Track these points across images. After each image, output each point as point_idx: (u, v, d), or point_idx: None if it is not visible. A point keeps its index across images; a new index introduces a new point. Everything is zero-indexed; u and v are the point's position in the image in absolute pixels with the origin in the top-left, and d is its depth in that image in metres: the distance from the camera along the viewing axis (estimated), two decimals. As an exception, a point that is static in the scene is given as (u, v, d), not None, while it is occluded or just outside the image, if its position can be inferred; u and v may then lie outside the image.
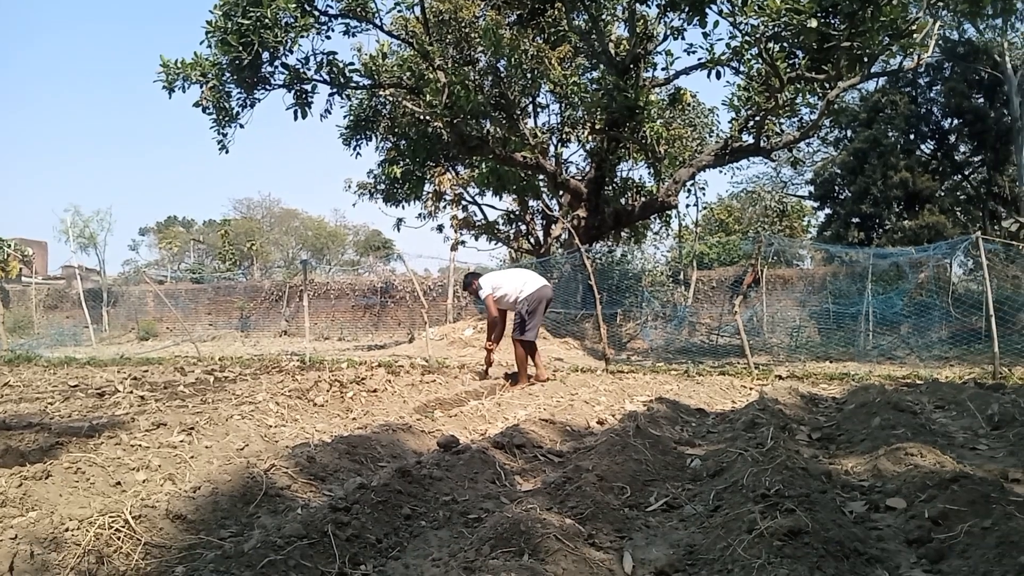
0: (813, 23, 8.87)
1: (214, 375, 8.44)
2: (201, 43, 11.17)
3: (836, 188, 22.90)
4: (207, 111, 11.93)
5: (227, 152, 12.50)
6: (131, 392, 6.78)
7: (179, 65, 11.34)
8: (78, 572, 2.26)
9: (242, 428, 4.36)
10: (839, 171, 22.30)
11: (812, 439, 4.33)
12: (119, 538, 2.43)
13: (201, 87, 11.56)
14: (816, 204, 25.63)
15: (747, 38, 9.98)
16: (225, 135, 12.28)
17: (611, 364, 9.34)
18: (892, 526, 2.63)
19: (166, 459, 3.55)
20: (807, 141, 18.99)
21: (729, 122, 13.30)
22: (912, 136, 21.41)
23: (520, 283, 7.57)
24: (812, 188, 25.20)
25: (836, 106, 13.00)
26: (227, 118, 12.07)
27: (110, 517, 2.47)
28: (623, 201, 17.12)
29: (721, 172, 17.68)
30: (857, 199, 20.59)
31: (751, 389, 7.36)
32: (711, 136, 18.25)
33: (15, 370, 10.03)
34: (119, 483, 3.19)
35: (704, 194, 19.58)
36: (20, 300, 27.22)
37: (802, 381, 7.97)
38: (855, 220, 21.22)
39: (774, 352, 12.76)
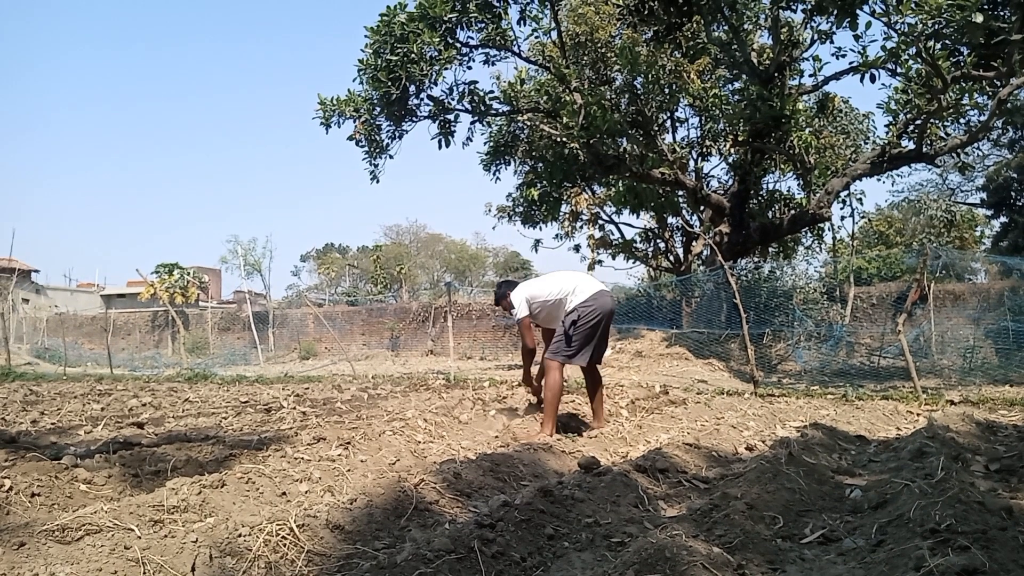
0: (979, 17, 8.11)
1: (367, 392, 8.91)
2: (353, 80, 11.99)
3: (1012, 194, 20.74)
4: (360, 144, 12.75)
5: (378, 182, 13.31)
6: (294, 408, 7.30)
7: (334, 102, 12.22)
8: (248, 574, 2.46)
9: (393, 443, 4.56)
10: (1015, 176, 20.18)
11: (989, 471, 3.91)
12: (285, 545, 2.61)
13: (354, 122, 12.38)
14: (990, 212, 23.36)
15: (904, 38, 9.29)
16: (376, 166, 13.06)
17: (760, 387, 8.91)
18: (1090, 572, 2.32)
19: (325, 472, 3.78)
20: (976, 144, 17.35)
21: (886, 127, 12.44)
22: (1103, 133, 19.03)
23: (567, 288, 5.57)
24: (984, 195, 23.00)
25: (1009, 105, 11.79)
26: (378, 150, 12.85)
27: (277, 525, 2.66)
28: (770, 215, 16.40)
29: (880, 181, 16.51)
30: (1039, 205, 18.54)
31: (918, 415, 6.76)
32: (867, 143, 17.12)
33: (194, 387, 11.03)
34: (284, 493, 3.43)
35: (861, 205, 18.33)
36: (198, 323, 30.11)
37: (977, 407, 7.21)
38: (1037, 229, 19.10)
39: (944, 375, 11.65)
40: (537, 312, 5.67)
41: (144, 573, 2.31)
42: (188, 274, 33.57)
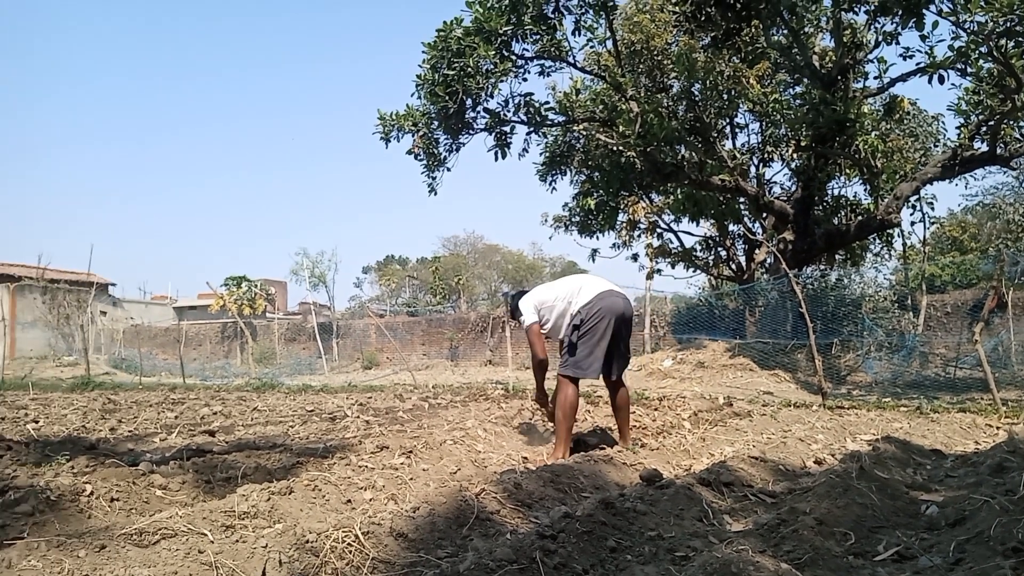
0: (1056, 12, 7.74)
1: (428, 402, 9.00)
2: (412, 95, 12.21)
3: (1096, 196, 19.61)
4: (418, 158, 12.97)
5: (436, 194, 13.49)
6: (358, 417, 7.44)
7: (394, 117, 12.46)
8: (316, 581, 2.51)
9: (454, 452, 4.61)
10: (1100, 176, 19.09)
11: (1079, 488, 3.69)
12: (351, 551, 2.66)
13: (413, 136, 12.61)
14: (1074, 215, 22.10)
15: (973, 37, 8.93)
16: (434, 178, 13.26)
17: (828, 399, 8.64)
18: None
19: (389, 480, 3.84)
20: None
21: (957, 129, 11.96)
22: None
23: (573, 289, 5.09)
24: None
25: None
26: (436, 163, 13.05)
27: (343, 532, 2.71)
28: (836, 221, 15.94)
29: (952, 184, 15.77)
30: None
31: (998, 429, 6.45)
32: (937, 146, 16.48)
33: (262, 396, 11.29)
34: (349, 500, 3.50)
35: (932, 209, 17.57)
36: (265, 334, 30.93)
37: (1064, 420, 6.84)
38: None
39: (1026, 386, 11.08)
40: (547, 320, 5.15)
41: (217, 576, 2.39)
42: (256, 286, 34.56)
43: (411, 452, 4.37)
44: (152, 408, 9.13)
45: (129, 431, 6.98)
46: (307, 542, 2.63)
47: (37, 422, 7.63)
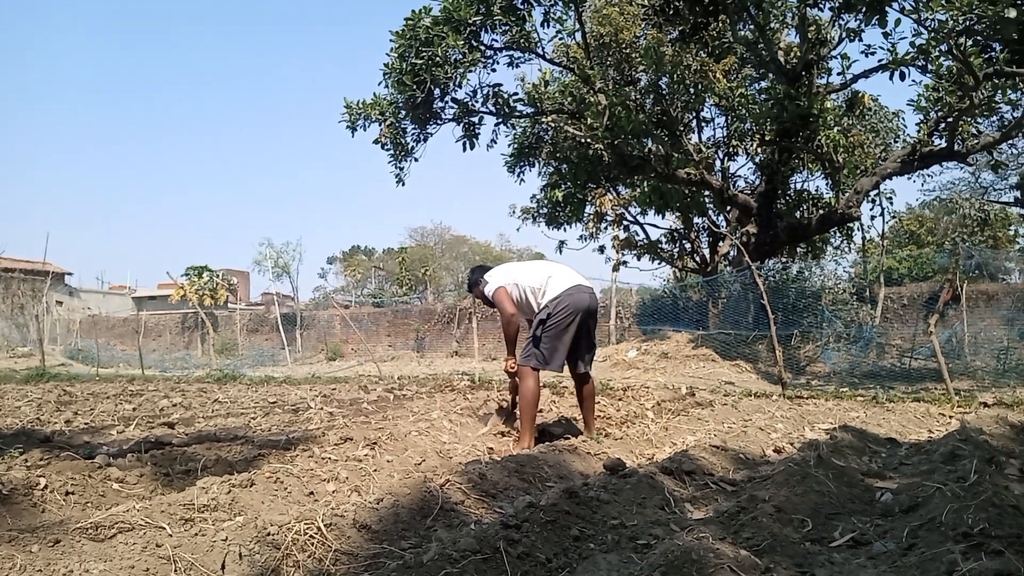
0: (1012, 13, 7.91)
1: (393, 393, 8.95)
2: (379, 84, 12.09)
3: (1049, 192, 20.23)
4: (385, 147, 12.85)
5: (403, 185, 13.39)
6: (322, 408, 7.36)
7: (360, 106, 12.32)
8: (277, 573, 2.49)
9: (419, 444, 4.59)
10: (1052, 173, 19.70)
11: (1024, 474, 3.82)
12: (313, 544, 2.63)
13: (380, 125, 12.49)
14: (1024, 211, 22.83)
15: (934, 35, 9.13)
16: (401, 168, 13.16)
17: (788, 389, 8.81)
18: None
19: (352, 472, 3.81)
20: (1010, 142, 16.97)
21: (917, 125, 12.26)
22: None
23: (542, 278, 5.05)
24: (1019, 193, 22.47)
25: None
26: (403, 153, 12.94)
27: (305, 524, 2.68)
28: (798, 215, 16.23)
29: (910, 179, 16.16)
30: (1078, 203, 18.07)
31: (951, 417, 6.64)
32: (897, 141, 16.85)
33: (223, 388, 11.07)
34: (312, 493, 3.46)
35: (891, 204, 18.01)
36: (227, 324, 30.47)
37: (1012, 409, 7.04)
38: (1075, 227, 18.63)
39: (977, 377, 11.41)
40: (517, 296, 5.10)
41: (175, 571, 2.35)
42: (217, 276, 34.01)
43: (375, 443, 4.34)
44: (109, 400, 8.91)
45: (85, 423, 6.81)
46: (268, 535, 2.60)
47: (-11, 414, 7.41)
